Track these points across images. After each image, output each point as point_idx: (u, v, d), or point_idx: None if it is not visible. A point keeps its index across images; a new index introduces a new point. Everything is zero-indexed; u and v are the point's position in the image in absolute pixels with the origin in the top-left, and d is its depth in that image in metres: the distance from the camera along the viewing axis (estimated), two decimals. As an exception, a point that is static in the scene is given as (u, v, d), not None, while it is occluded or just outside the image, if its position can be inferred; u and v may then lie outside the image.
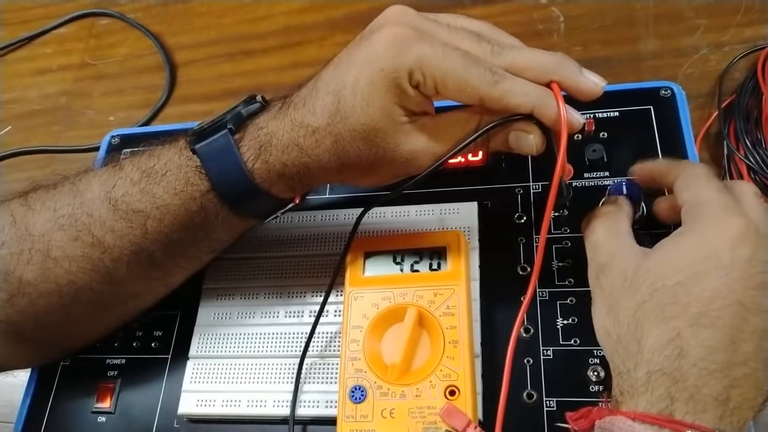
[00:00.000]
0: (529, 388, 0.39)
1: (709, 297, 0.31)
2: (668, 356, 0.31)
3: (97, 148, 0.61)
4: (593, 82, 0.35)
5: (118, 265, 0.40)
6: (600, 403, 0.35)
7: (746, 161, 0.50)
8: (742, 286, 0.31)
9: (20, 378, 0.53)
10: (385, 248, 0.43)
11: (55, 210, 0.40)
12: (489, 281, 0.43)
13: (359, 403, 0.39)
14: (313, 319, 0.42)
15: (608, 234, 0.37)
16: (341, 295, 0.43)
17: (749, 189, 0.35)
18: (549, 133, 0.36)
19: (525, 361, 0.40)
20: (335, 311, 0.43)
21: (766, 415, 0.32)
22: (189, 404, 0.43)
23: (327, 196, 0.50)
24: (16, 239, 0.40)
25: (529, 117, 0.35)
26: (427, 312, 0.40)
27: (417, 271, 0.42)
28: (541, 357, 0.40)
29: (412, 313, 0.40)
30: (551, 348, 0.40)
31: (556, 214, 0.44)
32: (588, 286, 0.38)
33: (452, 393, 0.38)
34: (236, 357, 0.44)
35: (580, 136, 0.47)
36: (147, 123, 0.69)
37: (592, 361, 0.39)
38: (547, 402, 0.39)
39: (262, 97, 0.40)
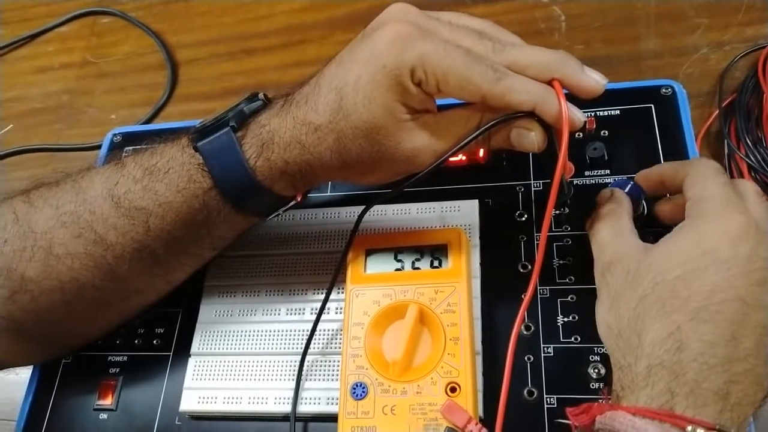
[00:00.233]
0: (529, 385, 0.39)
1: (709, 291, 0.31)
2: (668, 350, 0.31)
3: (98, 146, 0.61)
4: (594, 80, 0.35)
5: (120, 262, 0.40)
6: (600, 399, 0.35)
7: (747, 160, 0.50)
8: (743, 282, 0.31)
9: (22, 375, 0.53)
10: (386, 246, 0.44)
11: (57, 207, 0.41)
12: (490, 279, 0.43)
13: (360, 399, 0.39)
14: (314, 317, 0.42)
15: (612, 233, 0.38)
16: (342, 293, 0.43)
17: (750, 187, 0.35)
18: (550, 130, 0.36)
19: (526, 358, 0.40)
20: (336, 308, 0.43)
21: (767, 411, 0.32)
22: (191, 401, 0.43)
23: (328, 193, 0.50)
24: (18, 236, 0.40)
25: (531, 114, 0.35)
26: (428, 309, 0.40)
27: (418, 268, 0.42)
28: (542, 354, 0.40)
29: (413, 310, 0.40)
30: (552, 345, 0.40)
31: (557, 211, 0.44)
32: (589, 284, 0.38)
33: (453, 390, 0.38)
34: (238, 354, 0.44)
35: (581, 134, 0.47)
36: (148, 121, 0.69)
37: (592, 358, 0.39)
38: (548, 399, 0.39)
39: (264, 95, 0.40)
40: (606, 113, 0.47)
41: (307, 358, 0.42)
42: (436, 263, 0.42)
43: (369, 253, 0.44)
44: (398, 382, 0.39)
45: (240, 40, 0.72)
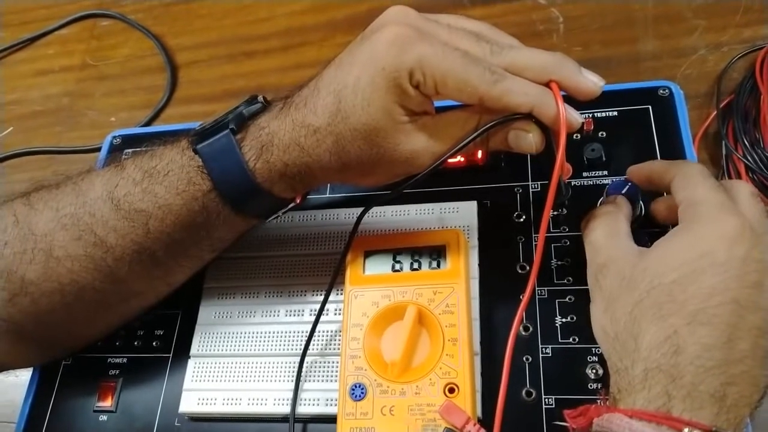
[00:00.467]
0: (528, 385, 0.40)
1: (706, 295, 0.31)
2: (665, 353, 0.31)
3: (98, 149, 0.61)
4: (592, 82, 0.35)
5: (120, 265, 0.40)
6: (598, 401, 0.35)
7: (744, 161, 0.50)
8: (738, 285, 0.31)
9: (22, 377, 0.53)
10: (385, 247, 0.44)
11: (57, 210, 0.41)
12: (488, 280, 0.43)
13: (359, 400, 0.39)
14: (313, 318, 0.42)
15: (607, 235, 0.38)
16: (341, 294, 0.43)
17: (746, 188, 0.35)
18: (548, 132, 0.36)
19: (524, 359, 0.40)
20: (335, 310, 0.44)
21: (763, 412, 0.32)
22: (190, 402, 0.43)
23: (327, 195, 0.50)
24: (18, 239, 0.41)
25: (529, 116, 0.35)
26: (426, 310, 0.40)
27: (417, 269, 0.42)
28: (540, 355, 0.40)
29: (411, 311, 0.40)
30: (550, 346, 0.40)
31: (555, 212, 0.45)
32: (586, 285, 0.38)
33: (452, 390, 0.38)
34: (237, 356, 0.44)
35: (578, 135, 0.47)
36: (148, 123, 0.69)
37: (590, 359, 0.39)
38: (546, 400, 0.39)
39: (264, 98, 0.40)
40: (603, 114, 0.48)
41: (306, 359, 0.42)
42: (434, 264, 0.42)
43: (368, 254, 0.44)
44: (397, 382, 0.39)
45: (240, 43, 0.72)
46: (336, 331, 0.43)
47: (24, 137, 0.73)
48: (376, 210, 0.47)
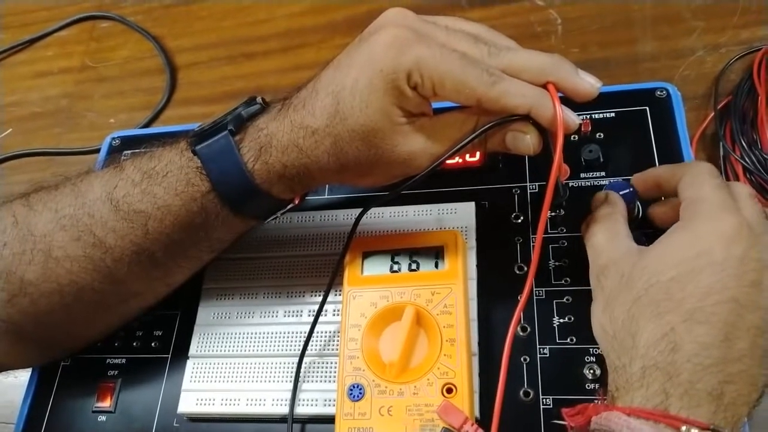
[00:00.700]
0: (525, 386, 0.40)
1: (703, 293, 0.31)
2: (662, 351, 0.31)
3: (97, 150, 0.61)
4: (589, 83, 0.36)
5: (119, 265, 0.41)
6: (596, 400, 0.35)
7: (742, 162, 0.50)
8: (737, 284, 0.31)
9: (21, 378, 0.53)
10: (383, 248, 0.44)
11: (56, 210, 0.41)
12: (486, 280, 0.43)
13: (357, 401, 0.39)
14: (312, 319, 0.43)
15: (607, 237, 0.38)
16: (340, 295, 0.43)
17: (744, 189, 0.36)
18: (545, 133, 0.36)
19: (522, 359, 0.40)
20: (334, 310, 0.44)
21: (762, 411, 0.33)
22: (189, 403, 0.43)
23: (326, 196, 0.50)
24: (18, 239, 0.41)
25: (526, 118, 0.35)
26: (424, 311, 0.40)
27: (415, 270, 0.42)
28: (538, 355, 0.40)
29: (409, 311, 0.40)
30: (548, 346, 0.41)
31: (553, 213, 0.45)
32: (584, 285, 0.39)
33: (449, 391, 0.38)
34: (236, 356, 0.44)
35: (576, 136, 0.47)
36: (147, 125, 0.69)
37: (588, 359, 0.39)
38: (544, 400, 0.39)
39: (263, 99, 0.40)
40: (601, 116, 0.48)
41: (305, 359, 0.42)
42: (432, 265, 0.42)
43: (366, 255, 0.44)
44: (395, 383, 0.39)
45: (239, 44, 0.72)
46: (334, 332, 0.43)
47: (23, 139, 0.73)
48: (374, 211, 0.47)
